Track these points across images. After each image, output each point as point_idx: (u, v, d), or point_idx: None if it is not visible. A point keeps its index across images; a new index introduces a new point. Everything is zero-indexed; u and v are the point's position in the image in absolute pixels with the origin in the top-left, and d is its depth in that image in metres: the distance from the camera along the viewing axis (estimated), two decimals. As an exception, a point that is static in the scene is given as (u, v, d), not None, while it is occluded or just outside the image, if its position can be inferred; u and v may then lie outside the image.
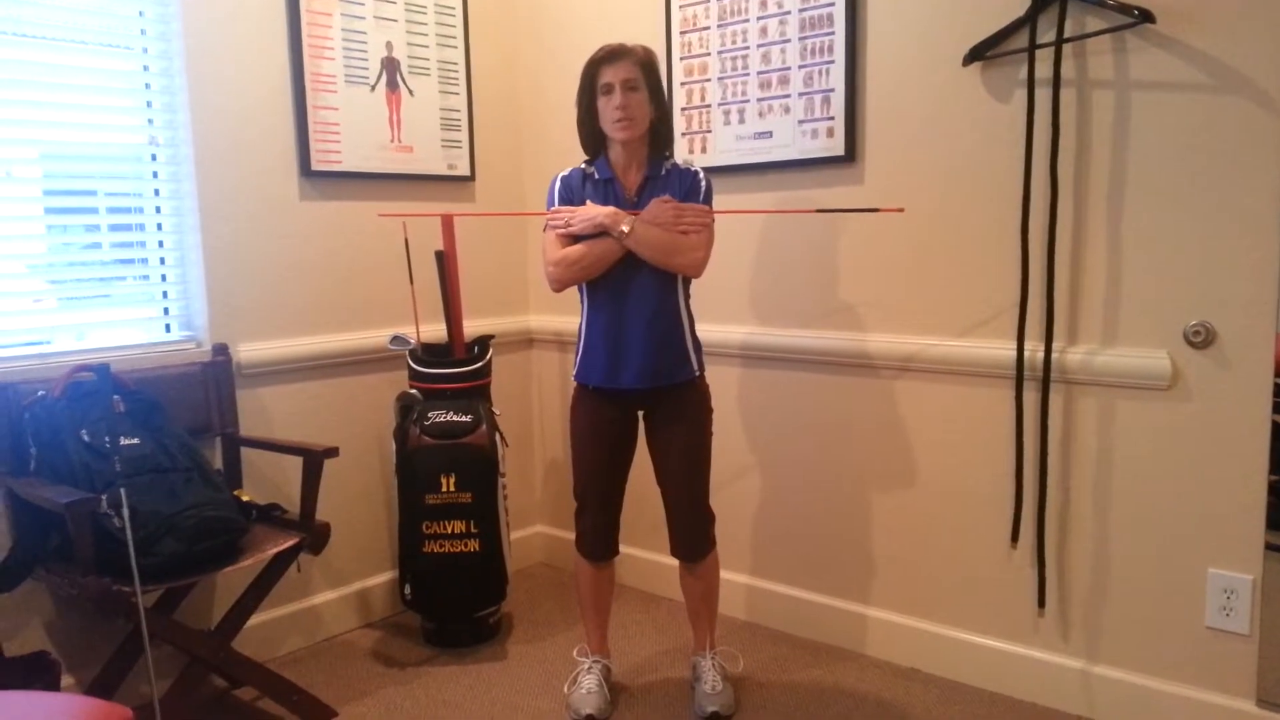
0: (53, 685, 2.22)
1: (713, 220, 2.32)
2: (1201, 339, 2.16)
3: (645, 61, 2.28)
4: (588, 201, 2.33)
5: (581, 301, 2.40)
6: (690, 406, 2.38)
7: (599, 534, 2.44)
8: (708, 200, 2.34)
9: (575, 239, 2.31)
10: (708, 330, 2.93)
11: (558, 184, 2.39)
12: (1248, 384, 2.12)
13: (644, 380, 2.33)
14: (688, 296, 2.37)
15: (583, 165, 2.40)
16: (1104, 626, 2.37)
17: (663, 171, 2.34)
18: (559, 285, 2.33)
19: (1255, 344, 2.10)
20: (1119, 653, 2.36)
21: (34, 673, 2.19)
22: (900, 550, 2.69)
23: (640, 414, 2.46)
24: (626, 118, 2.24)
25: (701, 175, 2.35)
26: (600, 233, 2.27)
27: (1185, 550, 2.24)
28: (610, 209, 2.28)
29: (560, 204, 2.36)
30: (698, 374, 2.38)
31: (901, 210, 2.46)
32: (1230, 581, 2.18)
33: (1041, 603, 2.45)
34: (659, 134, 2.35)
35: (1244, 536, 2.16)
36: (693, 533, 2.40)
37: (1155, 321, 2.22)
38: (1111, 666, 2.37)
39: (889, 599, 2.74)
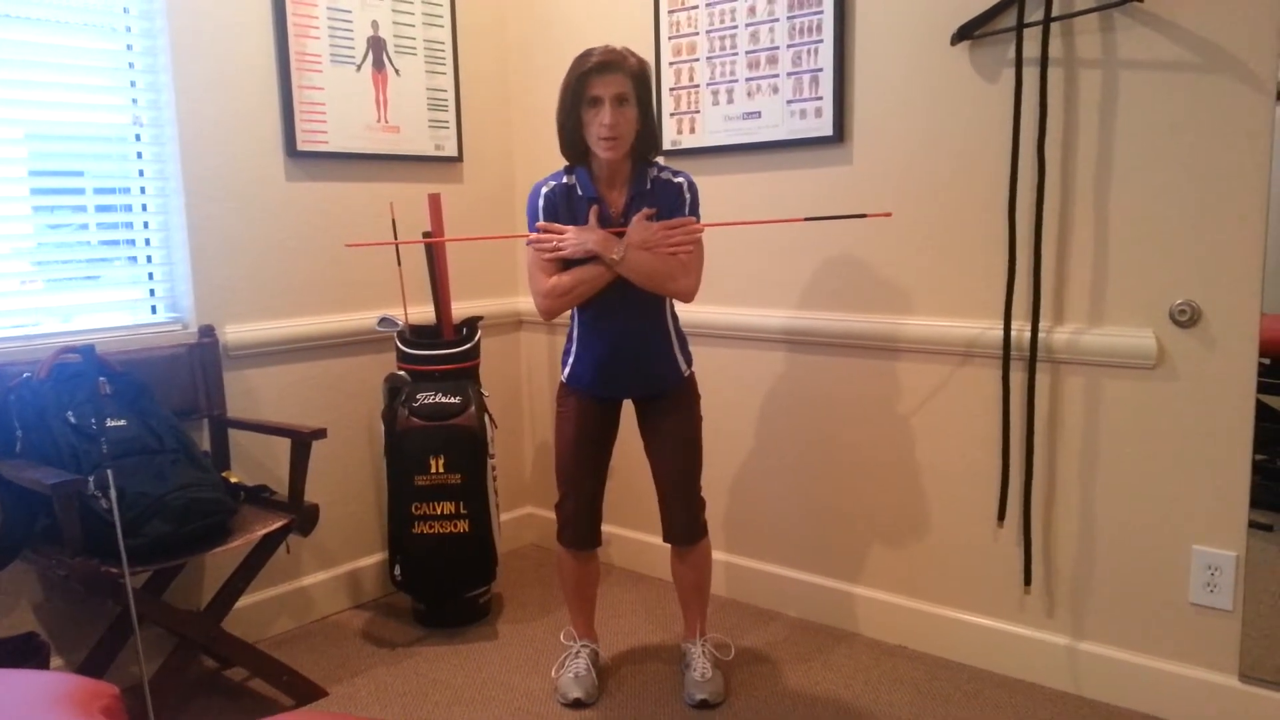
0: (42, 667, 2.22)
1: (701, 233, 2.23)
2: (1187, 318, 2.17)
3: (637, 73, 2.16)
4: (591, 219, 2.22)
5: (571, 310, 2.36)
6: (680, 399, 2.37)
7: (581, 523, 2.43)
8: (694, 212, 2.25)
9: (564, 263, 2.22)
10: (692, 311, 2.93)
11: (540, 200, 2.26)
12: (1232, 363, 2.13)
13: (634, 394, 2.38)
14: (673, 301, 2.36)
15: (563, 177, 2.27)
16: (1089, 603, 2.39)
17: (648, 185, 2.23)
18: (550, 316, 2.25)
19: (1240, 323, 2.11)
20: (1104, 629, 2.38)
21: (23, 654, 2.20)
22: (887, 528, 2.71)
23: (626, 402, 2.46)
24: (613, 136, 2.12)
25: (686, 186, 2.25)
26: (589, 257, 2.18)
27: (1170, 527, 2.25)
28: (601, 233, 2.18)
29: (545, 219, 2.25)
30: (686, 374, 2.38)
31: (889, 215, 2.37)
32: (1214, 558, 2.20)
33: (1027, 580, 2.47)
34: (644, 144, 2.23)
35: (1228, 514, 2.18)
36: (685, 518, 2.39)
37: (1141, 301, 2.23)
38: (1096, 643, 2.39)
39: (876, 577, 2.75)
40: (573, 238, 2.18)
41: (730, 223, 2.53)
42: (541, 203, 2.26)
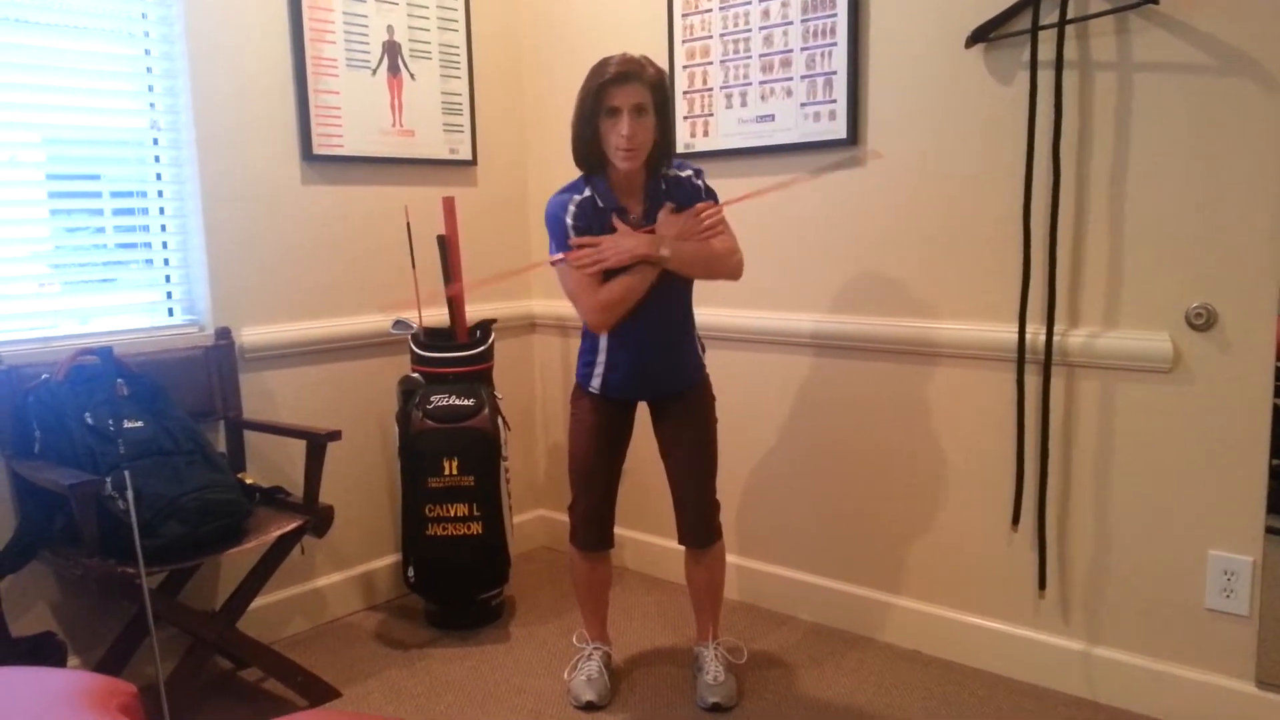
0: (59, 666, 2.24)
1: (723, 212, 2.25)
2: (1203, 321, 2.16)
3: (656, 83, 2.13)
4: (621, 225, 2.20)
5: None
6: (696, 402, 2.38)
7: (593, 524, 2.43)
8: (711, 195, 2.28)
9: (603, 273, 2.18)
10: (703, 315, 2.93)
11: (569, 216, 2.21)
12: (1249, 366, 2.12)
13: (662, 394, 2.38)
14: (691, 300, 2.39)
15: (584, 189, 2.23)
16: (1104, 608, 2.38)
17: (663, 187, 2.24)
18: (606, 329, 2.23)
19: (1256, 326, 2.10)
20: (1119, 634, 2.36)
21: (40, 653, 2.21)
22: (901, 533, 2.70)
23: (641, 404, 2.46)
24: (632, 148, 2.11)
25: (694, 174, 2.27)
26: (633, 262, 2.15)
27: (1186, 532, 2.24)
28: (641, 236, 2.16)
29: (577, 234, 2.20)
30: (704, 372, 2.42)
31: (881, 155, 2.40)
32: (1230, 563, 2.18)
33: (1042, 585, 2.46)
34: (660, 151, 2.21)
35: (1244, 519, 2.16)
36: (700, 521, 2.39)
37: (1157, 304, 2.22)
38: (1112, 648, 2.37)
39: (890, 581, 2.74)
40: (613, 246, 2.17)
41: (742, 197, 2.46)
42: (570, 220, 2.22)
